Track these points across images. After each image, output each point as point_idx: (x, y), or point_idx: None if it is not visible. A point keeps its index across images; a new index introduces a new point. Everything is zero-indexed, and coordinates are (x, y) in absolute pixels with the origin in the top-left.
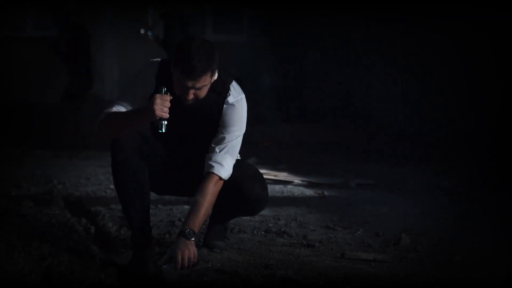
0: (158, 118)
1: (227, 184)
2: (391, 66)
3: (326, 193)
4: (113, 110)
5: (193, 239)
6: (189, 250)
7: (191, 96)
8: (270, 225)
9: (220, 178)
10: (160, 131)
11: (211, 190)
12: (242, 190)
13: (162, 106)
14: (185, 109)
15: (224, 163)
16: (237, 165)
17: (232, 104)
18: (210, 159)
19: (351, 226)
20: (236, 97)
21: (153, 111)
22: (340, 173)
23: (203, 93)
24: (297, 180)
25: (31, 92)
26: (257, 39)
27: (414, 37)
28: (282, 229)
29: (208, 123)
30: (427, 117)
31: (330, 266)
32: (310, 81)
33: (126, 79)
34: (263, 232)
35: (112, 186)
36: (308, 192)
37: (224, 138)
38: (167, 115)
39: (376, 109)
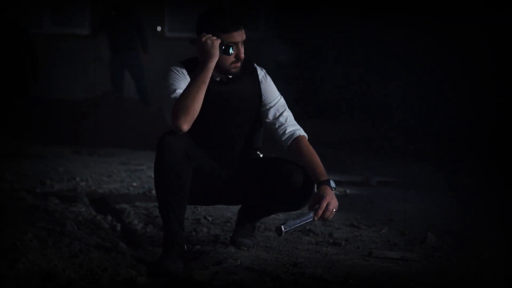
0: (218, 48)
1: (268, 174)
2: (408, 64)
3: (348, 191)
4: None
5: (335, 189)
6: (335, 200)
7: (242, 54)
8: None
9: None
10: (231, 52)
11: (311, 146)
12: (289, 177)
13: (210, 38)
14: (225, 95)
15: (298, 125)
16: (274, 159)
17: (264, 78)
18: (286, 129)
19: (375, 224)
20: (262, 71)
21: (211, 46)
22: (359, 170)
23: (243, 54)
24: None
25: (49, 88)
26: (273, 36)
27: (432, 36)
28: (307, 227)
29: (247, 104)
30: (443, 114)
31: (359, 264)
32: (326, 78)
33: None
34: None
35: (134, 184)
36: None
37: (278, 110)
38: (219, 39)
39: (392, 106)
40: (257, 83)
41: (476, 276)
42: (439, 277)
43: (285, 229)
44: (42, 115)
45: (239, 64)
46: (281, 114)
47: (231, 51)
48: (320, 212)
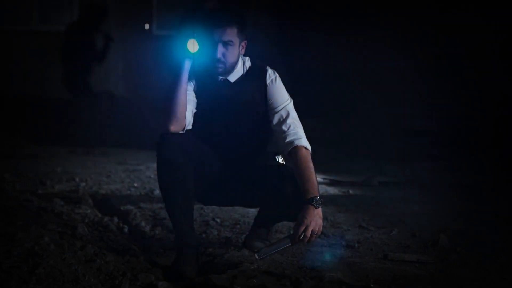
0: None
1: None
2: (404, 62)
3: (351, 191)
4: None
5: (321, 207)
6: (316, 222)
7: (219, 54)
8: None
9: (306, 149)
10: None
11: (309, 158)
12: (281, 190)
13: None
14: (228, 98)
15: (301, 135)
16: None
17: (272, 83)
18: (286, 138)
19: (385, 225)
20: (272, 75)
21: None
22: (359, 170)
23: (231, 56)
24: (318, 178)
25: (42, 87)
26: (262, 33)
27: (428, 31)
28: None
29: (252, 108)
30: (439, 112)
31: (376, 267)
32: (317, 76)
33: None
34: None
35: (135, 184)
36: (332, 190)
37: (282, 116)
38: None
39: (387, 105)
40: (263, 86)
41: (497, 280)
42: (459, 281)
43: (259, 256)
44: (34, 115)
45: (219, 65)
46: (284, 121)
47: (190, 46)
48: (296, 239)
